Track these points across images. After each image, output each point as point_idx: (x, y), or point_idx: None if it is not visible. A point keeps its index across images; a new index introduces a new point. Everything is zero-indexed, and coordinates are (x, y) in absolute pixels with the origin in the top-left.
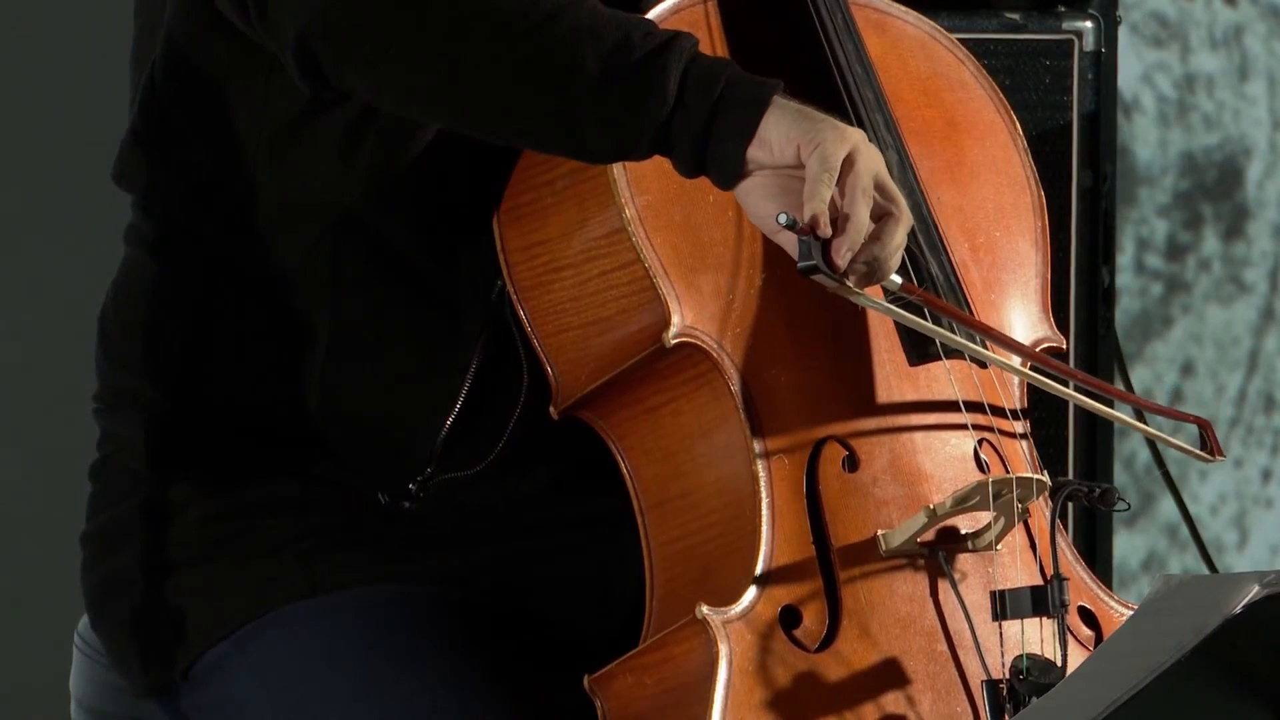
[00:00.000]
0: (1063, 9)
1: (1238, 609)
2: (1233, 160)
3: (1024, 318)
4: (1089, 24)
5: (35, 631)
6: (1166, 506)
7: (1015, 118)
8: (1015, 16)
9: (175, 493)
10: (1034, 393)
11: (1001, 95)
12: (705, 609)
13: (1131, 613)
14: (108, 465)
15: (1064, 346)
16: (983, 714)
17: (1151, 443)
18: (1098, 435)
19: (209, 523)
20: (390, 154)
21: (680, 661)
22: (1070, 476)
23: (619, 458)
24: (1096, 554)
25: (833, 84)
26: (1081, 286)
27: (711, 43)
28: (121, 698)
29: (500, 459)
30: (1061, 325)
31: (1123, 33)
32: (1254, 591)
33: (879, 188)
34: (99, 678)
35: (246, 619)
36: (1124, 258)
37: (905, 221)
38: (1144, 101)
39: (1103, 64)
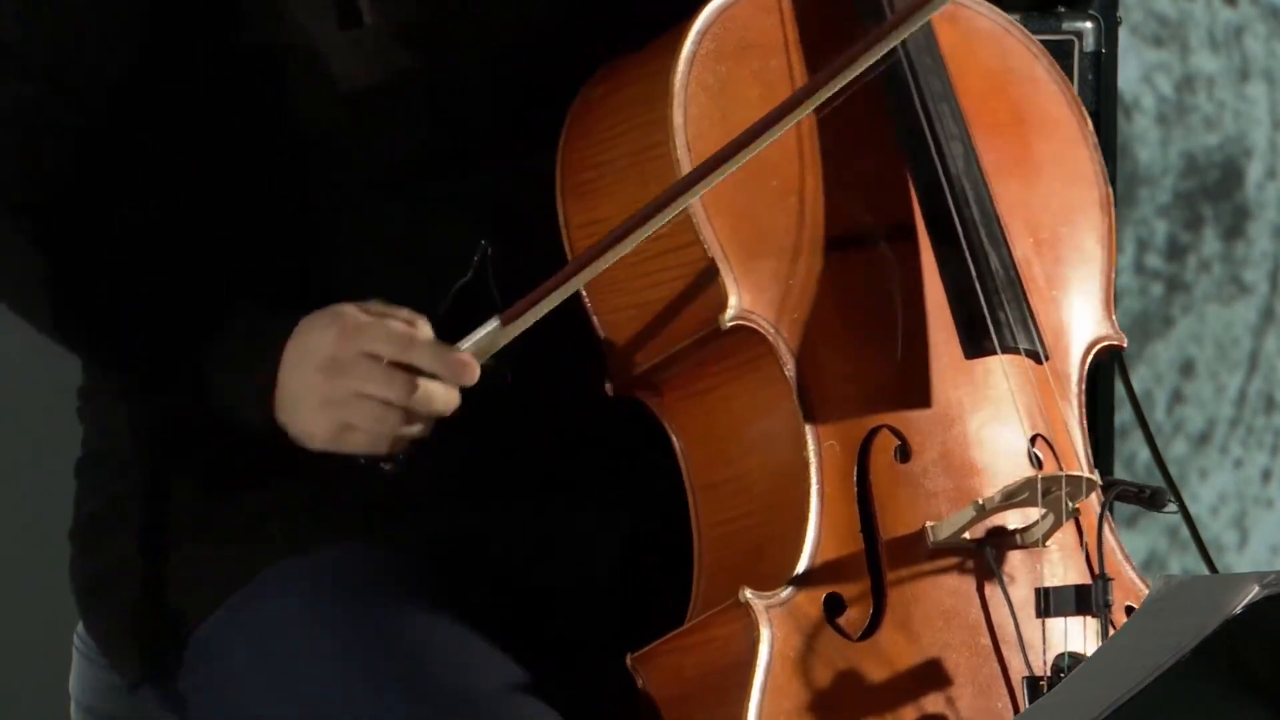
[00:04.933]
0: (1063, 9)
1: (1238, 609)
2: (1233, 160)
3: (1086, 315)
4: (1089, 24)
5: (35, 632)
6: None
7: (1087, 114)
8: (1015, 17)
9: (158, 477)
10: None
11: (1074, 92)
12: (749, 593)
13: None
14: (90, 460)
15: (1125, 345)
16: (1023, 710)
17: (1153, 443)
18: (1098, 435)
19: (192, 503)
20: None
21: (722, 644)
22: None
23: (672, 437)
24: None
25: (900, 72)
26: None
27: (779, 29)
28: (121, 698)
29: (474, 414)
30: None
31: (1123, 33)
32: (1254, 592)
33: (367, 357)
34: (98, 678)
35: (233, 589)
36: (1124, 258)
37: (421, 346)
38: (1144, 102)
39: (1103, 64)
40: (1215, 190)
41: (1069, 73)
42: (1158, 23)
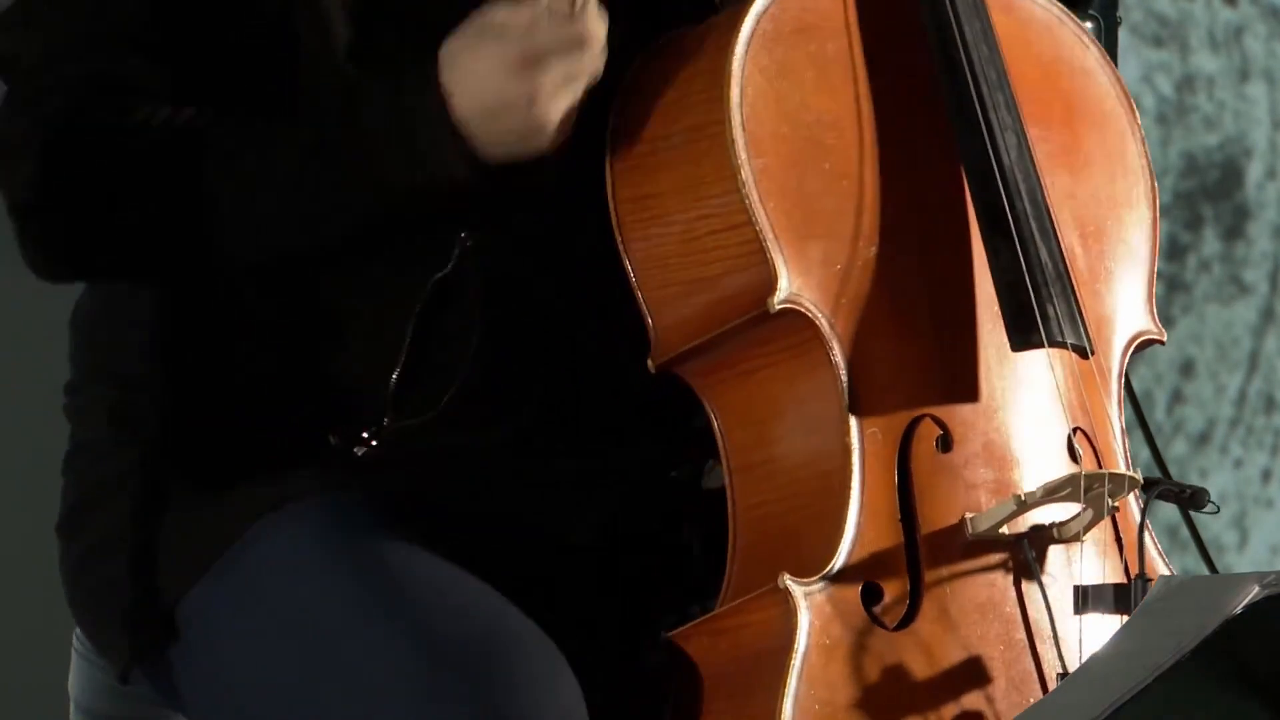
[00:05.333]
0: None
1: (1238, 609)
2: (1233, 160)
3: (1129, 309)
4: (1089, 24)
5: (35, 632)
6: (1167, 507)
7: (1135, 107)
8: None
9: (136, 459)
10: None
11: (1124, 84)
12: (788, 579)
13: None
14: (73, 452)
15: (1164, 340)
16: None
17: (1153, 443)
18: None
19: (169, 481)
20: None
21: (758, 628)
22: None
23: (711, 416)
24: None
25: (957, 59)
26: None
27: (838, 11)
28: (119, 699)
29: (454, 406)
30: None
31: (1123, 33)
32: (1254, 592)
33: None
34: (97, 679)
35: (216, 553)
36: None
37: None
38: (1144, 102)
39: None
40: (1215, 190)
41: None
42: (1158, 23)
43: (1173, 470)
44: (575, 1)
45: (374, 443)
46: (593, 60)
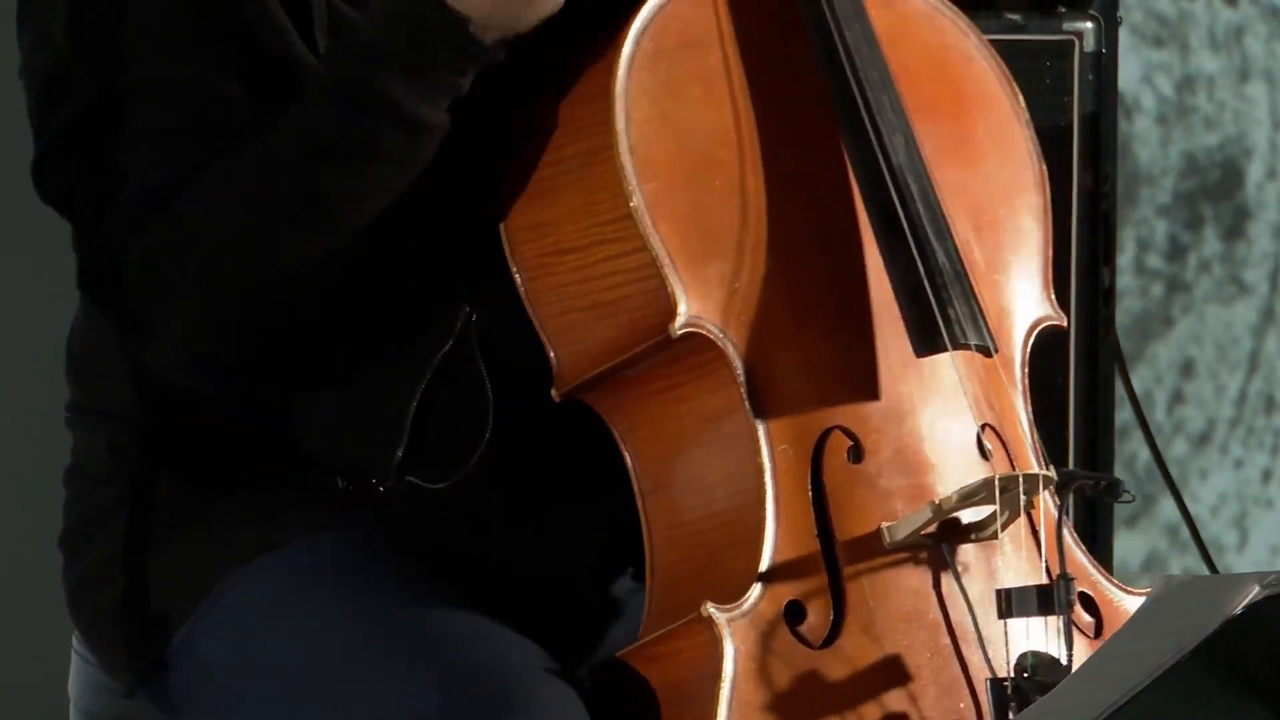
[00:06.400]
0: (1063, 9)
1: (1238, 609)
2: (1233, 161)
3: (1027, 296)
4: (1089, 24)
5: (35, 635)
6: (1167, 507)
7: (1018, 91)
8: (1015, 17)
9: (141, 487)
10: (1034, 394)
11: (1005, 69)
12: (711, 607)
13: (1131, 596)
14: (74, 470)
15: (1065, 325)
16: (986, 712)
17: (1153, 443)
18: (1099, 435)
19: (167, 509)
20: None
21: (686, 657)
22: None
23: (620, 441)
24: (1097, 554)
25: (839, 64)
26: (1082, 287)
27: (718, 25)
28: (119, 701)
29: (466, 478)
30: None
31: (1123, 33)
32: (1254, 592)
33: None
34: (97, 682)
35: (209, 588)
36: (1124, 258)
37: None
38: (1144, 102)
39: (1103, 64)
40: (1215, 190)
41: (1069, 73)
42: (1158, 23)
43: (1173, 471)
44: None
45: (381, 489)
46: None
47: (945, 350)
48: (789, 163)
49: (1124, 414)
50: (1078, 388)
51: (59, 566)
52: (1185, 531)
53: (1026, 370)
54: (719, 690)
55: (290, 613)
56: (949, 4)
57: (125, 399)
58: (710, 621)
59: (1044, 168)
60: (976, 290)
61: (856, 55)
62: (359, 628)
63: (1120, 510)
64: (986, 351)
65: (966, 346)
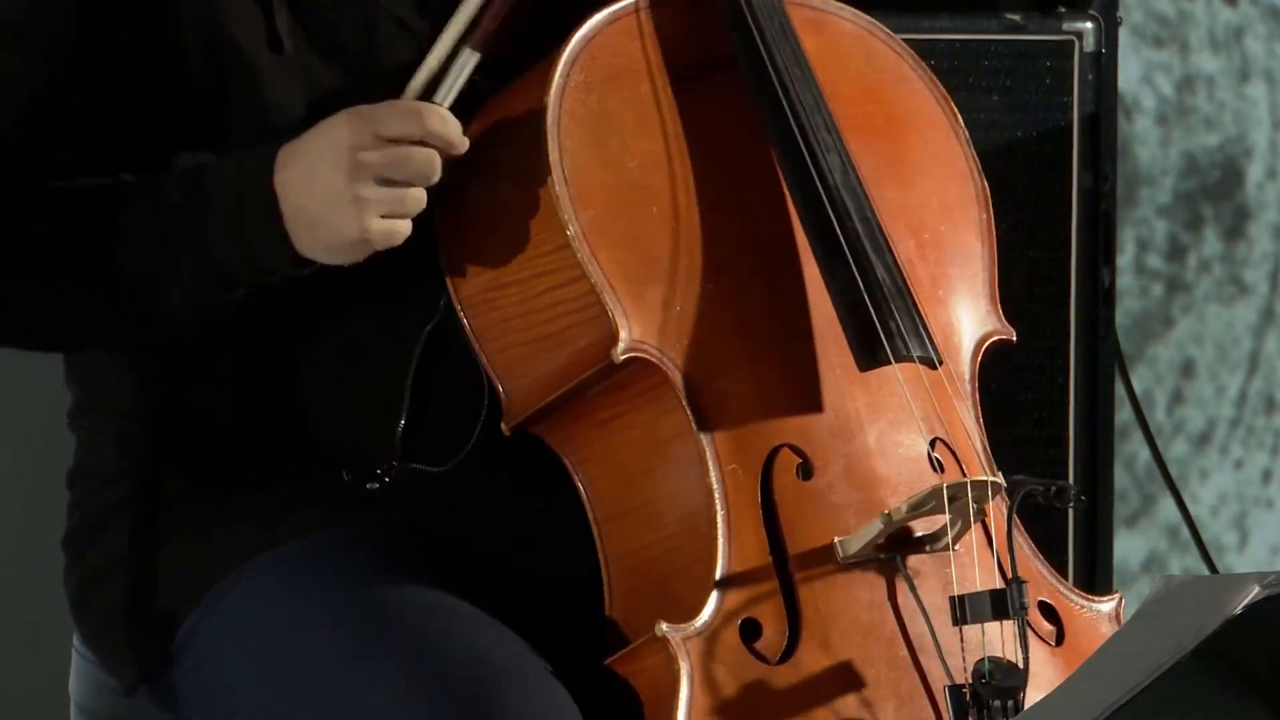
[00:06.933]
0: (1063, 9)
1: (1238, 610)
2: (1233, 161)
3: (972, 312)
4: (1089, 24)
5: (35, 634)
6: (1167, 507)
7: (956, 109)
8: (1015, 17)
9: (145, 486)
10: (1034, 395)
11: (942, 87)
12: (665, 626)
13: (1095, 604)
14: (78, 471)
15: (1014, 339)
16: (950, 716)
17: (1153, 443)
18: (1098, 436)
19: (172, 508)
20: None
21: (645, 676)
22: (1023, 475)
23: (572, 471)
24: (1097, 555)
25: (770, 87)
26: (1081, 287)
27: (645, 54)
28: (120, 700)
29: (469, 459)
30: (1061, 326)
31: (1123, 33)
32: (1254, 592)
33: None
34: (98, 680)
35: (211, 584)
36: (1124, 258)
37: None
38: (1144, 102)
39: (1103, 64)
40: (1215, 190)
41: (1069, 73)
42: (1158, 23)
43: (1173, 471)
44: (415, 119)
45: (386, 479)
46: (424, 171)
47: (888, 363)
48: (724, 187)
49: (1124, 414)
50: (1078, 388)
51: (59, 567)
52: (1185, 532)
53: (976, 385)
54: (676, 709)
55: (290, 612)
56: (882, 27)
57: (131, 395)
58: (665, 642)
59: (985, 184)
60: (919, 304)
61: (788, 78)
62: (359, 627)
63: (1120, 510)
64: (931, 364)
65: (910, 359)
